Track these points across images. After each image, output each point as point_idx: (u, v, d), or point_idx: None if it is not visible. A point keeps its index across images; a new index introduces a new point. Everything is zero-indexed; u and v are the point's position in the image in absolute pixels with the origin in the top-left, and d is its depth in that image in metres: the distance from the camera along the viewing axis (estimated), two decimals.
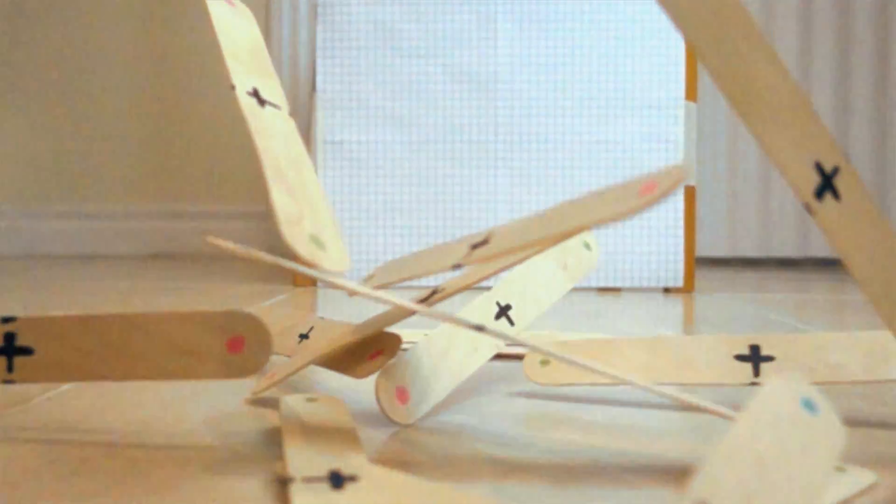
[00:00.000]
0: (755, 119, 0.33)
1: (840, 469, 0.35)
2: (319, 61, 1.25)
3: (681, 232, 1.23)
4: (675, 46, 1.23)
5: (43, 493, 0.33)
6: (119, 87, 1.95)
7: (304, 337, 0.52)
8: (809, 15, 1.80)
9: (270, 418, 0.44)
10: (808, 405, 0.29)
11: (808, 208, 0.34)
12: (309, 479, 0.31)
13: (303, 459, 0.33)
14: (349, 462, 0.33)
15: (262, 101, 0.41)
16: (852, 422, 0.45)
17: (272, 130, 0.40)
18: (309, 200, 0.37)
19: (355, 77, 1.25)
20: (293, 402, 0.41)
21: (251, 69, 0.43)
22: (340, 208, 1.24)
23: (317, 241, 0.34)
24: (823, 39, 1.80)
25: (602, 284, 1.23)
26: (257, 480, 0.35)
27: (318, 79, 1.25)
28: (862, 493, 0.34)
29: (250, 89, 0.41)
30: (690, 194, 1.24)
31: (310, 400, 0.41)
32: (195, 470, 0.36)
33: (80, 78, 1.95)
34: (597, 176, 1.24)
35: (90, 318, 0.39)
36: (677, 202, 1.23)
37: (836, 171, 0.34)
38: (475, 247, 0.36)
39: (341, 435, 0.37)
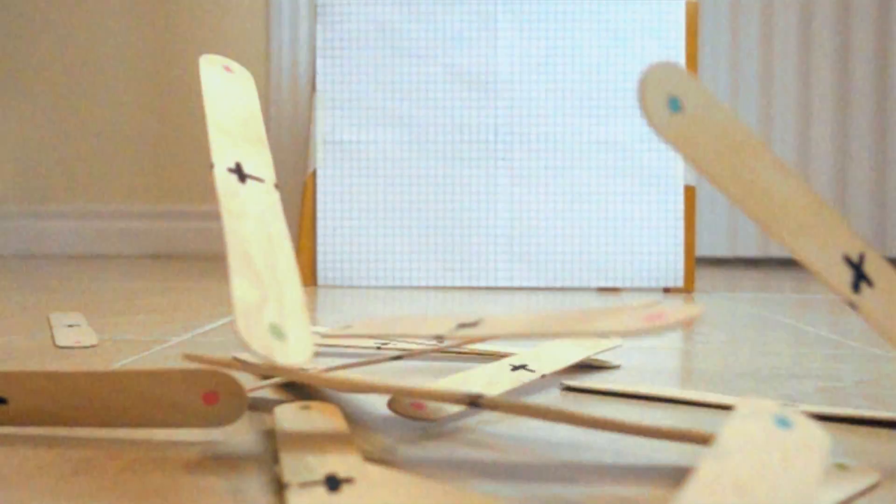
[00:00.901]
0: (784, 232, 0.34)
1: (842, 469, 0.35)
2: (319, 61, 1.25)
3: (681, 232, 1.23)
4: (675, 46, 1.23)
5: (43, 493, 0.33)
6: (119, 87, 1.95)
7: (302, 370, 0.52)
8: (809, 15, 1.80)
9: (269, 420, 0.44)
10: (782, 422, 0.29)
11: (852, 305, 0.35)
12: (304, 484, 0.31)
13: (298, 465, 0.33)
14: (345, 465, 0.33)
15: (243, 177, 0.41)
16: (854, 422, 0.45)
17: (247, 209, 0.39)
18: (277, 283, 0.36)
19: (355, 77, 1.25)
20: (287, 411, 0.41)
21: (239, 140, 0.42)
22: (341, 208, 1.24)
23: (276, 331, 0.33)
24: (823, 40, 1.80)
25: (602, 284, 1.23)
26: (257, 481, 0.35)
27: (318, 79, 1.25)
28: (863, 492, 0.34)
29: (232, 165, 0.41)
30: (690, 194, 1.24)
31: (303, 407, 0.41)
32: (195, 470, 0.36)
33: (80, 77, 1.95)
34: (597, 176, 1.24)
35: (62, 375, 0.39)
36: (677, 202, 1.23)
37: (862, 258, 0.35)
38: (463, 326, 0.36)
39: (336, 439, 0.36)
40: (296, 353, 0.33)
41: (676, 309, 0.30)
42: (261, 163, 0.42)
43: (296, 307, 0.35)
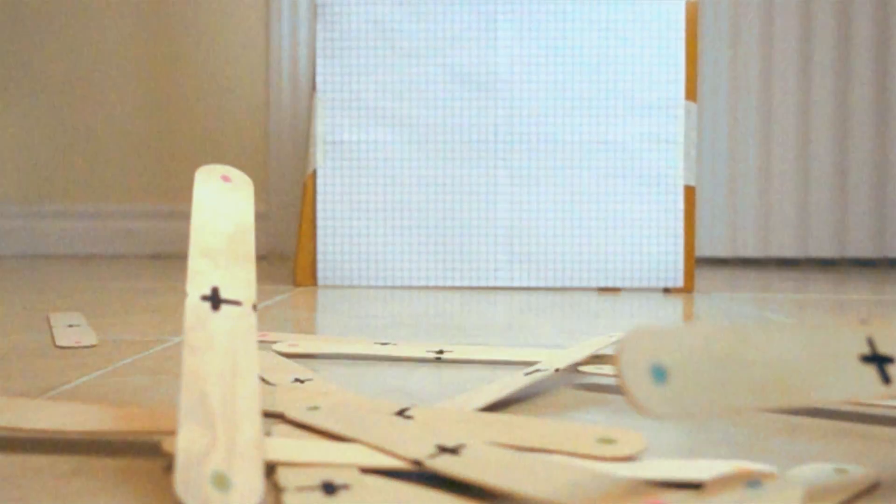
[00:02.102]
0: (808, 393, 0.33)
1: (840, 470, 0.35)
2: (319, 61, 1.25)
3: (681, 232, 1.23)
4: (675, 46, 1.23)
5: (43, 494, 0.33)
6: (119, 87, 1.95)
7: (298, 381, 0.52)
8: (809, 15, 1.80)
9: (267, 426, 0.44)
10: (753, 485, 0.30)
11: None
12: (301, 488, 0.32)
13: (295, 472, 0.33)
14: (342, 473, 0.33)
15: (217, 304, 0.40)
16: (852, 421, 0.45)
17: (214, 340, 0.38)
18: (232, 421, 0.35)
19: (355, 77, 1.25)
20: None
21: (221, 260, 0.42)
22: (341, 208, 1.24)
23: (220, 481, 0.32)
24: (823, 40, 1.80)
25: (602, 284, 1.23)
26: None
27: (318, 79, 1.25)
28: (862, 493, 0.34)
29: (207, 291, 0.40)
30: (690, 194, 1.24)
31: (311, 409, 0.42)
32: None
33: (80, 78, 1.95)
34: (597, 176, 1.24)
35: (61, 432, 0.40)
36: (677, 202, 1.23)
37: (871, 342, 0.34)
38: (443, 450, 0.35)
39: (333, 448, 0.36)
40: (238, 502, 0.31)
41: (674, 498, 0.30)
42: (241, 282, 0.42)
43: (248, 448, 0.34)
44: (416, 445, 0.36)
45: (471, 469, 0.34)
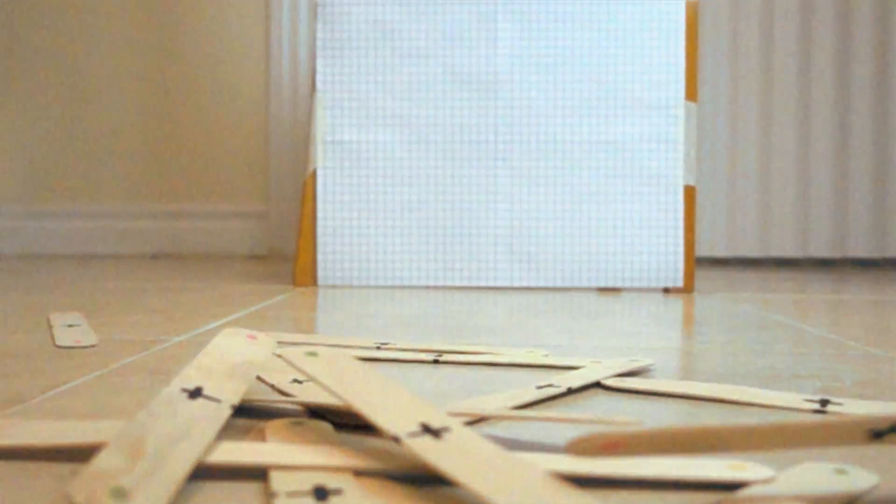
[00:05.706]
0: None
1: (841, 471, 0.35)
2: (319, 61, 1.25)
3: (681, 232, 1.23)
4: (675, 46, 1.23)
5: (43, 493, 0.33)
6: (119, 87, 1.95)
7: (297, 382, 0.52)
8: (809, 15, 1.79)
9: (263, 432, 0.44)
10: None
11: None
12: (292, 494, 0.31)
13: (287, 477, 0.33)
14: (334, 478, 0.33)
15: (195, 394, 0.40)
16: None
17: (175, 414, 0.37)
18: (160, 463, 0.33)
19: (355, 77, 1.25)
20: (279, 426, 0.41)
21: (214, 376, 0.42)
22: (341, 208, 1.24)
23: (119, 492, 0.30)
24: (823, 40, 1.80)
25: (602, 284, 1.23)
26: (251, 487, 0.35)
27: (318, 79, 1.25)
28: (863, 493, 0.34)
29: (191, 387, 0.41)
30: (690, 194, 1.23)
31: (296, 423, 0.41)
32: (192, 475, 0.36)
33: (80, 78, 1.95)
34: (597, 176, 1.23)
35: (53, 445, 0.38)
36: (677, 202, 1.23)
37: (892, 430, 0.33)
38: (426, 429, 0.35)
39: (326, 455, 0.36)
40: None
41: None
42: (229, 391, 0.41)
43: (163, 479, 0.32)
44: (401, 419, 0.36)
45: (443, 457, 0.32)
